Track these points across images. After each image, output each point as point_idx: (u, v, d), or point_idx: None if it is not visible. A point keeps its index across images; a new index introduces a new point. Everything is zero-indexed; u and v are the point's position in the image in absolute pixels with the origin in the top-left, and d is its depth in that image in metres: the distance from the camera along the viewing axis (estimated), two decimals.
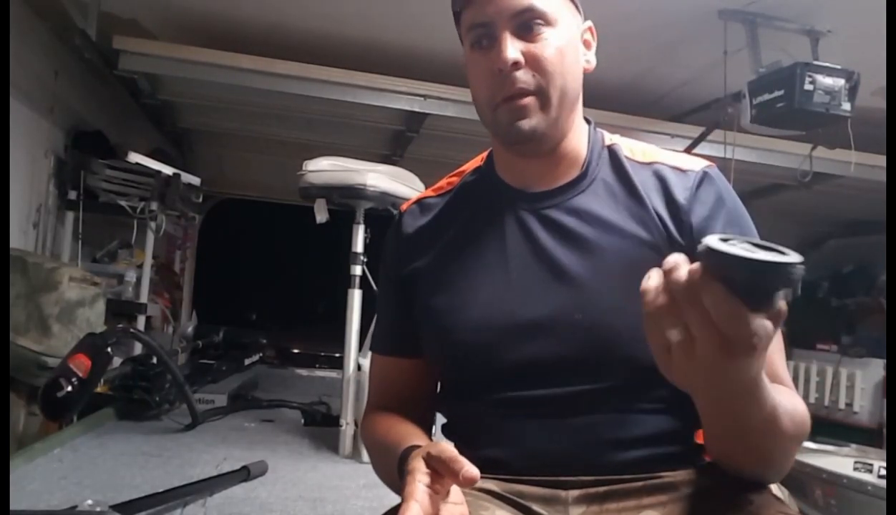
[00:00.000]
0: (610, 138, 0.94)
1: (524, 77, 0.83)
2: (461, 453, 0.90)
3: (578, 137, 0.91)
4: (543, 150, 0.88)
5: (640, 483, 0.80)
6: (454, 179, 0.99)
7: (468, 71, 0.90)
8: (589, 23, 0.92)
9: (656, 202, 0.86)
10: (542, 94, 0.83)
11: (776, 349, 0.80)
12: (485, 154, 0.99)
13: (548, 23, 0.84)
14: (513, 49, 0.82)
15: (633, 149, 0.92)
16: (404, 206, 1.00)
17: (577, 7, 0.90)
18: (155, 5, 3.00)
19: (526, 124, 0.84)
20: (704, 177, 0.87)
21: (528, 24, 0.83)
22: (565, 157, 0.90)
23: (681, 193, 0.85)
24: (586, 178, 0.90)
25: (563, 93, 0.85)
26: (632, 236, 0.84)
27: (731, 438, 0.71)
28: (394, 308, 0.97)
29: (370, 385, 1.01)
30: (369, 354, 1.07)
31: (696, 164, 0.88)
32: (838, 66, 2.53)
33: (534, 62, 0.83)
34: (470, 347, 0.86)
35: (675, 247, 0.83)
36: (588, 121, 0.94)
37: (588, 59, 0.91)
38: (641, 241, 0.84)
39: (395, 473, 0.77)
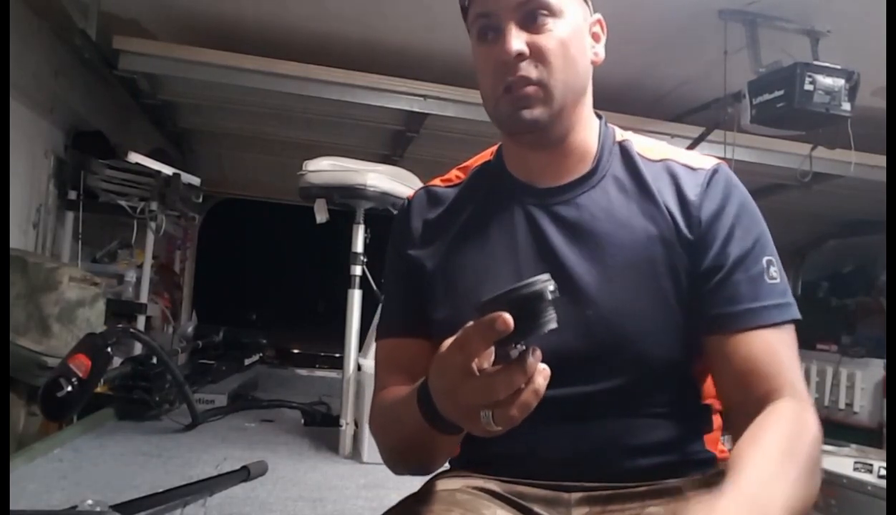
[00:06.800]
0: (622, 134, 0.94)
1: (527, 68, 0.82)
2: (464, 449, 0.90)
3: (587, 131, 0.91)
4: (549, 141, 0.88)
5: (644, 488, 0.80)
6: (463, 172, 0.98)
7: (475, 63, 0.89)
8: (598, 15, 0.91)
9: (668, 198, 0.85)
10: (545, 86, 0.83)
11: (787, 355, 0.79)
12: (494, 148, 0.98)
13: (552, 13, 0.83)
14: (517, 40, 0.81)
15: (645, 146, 0.92)
16: (411, 194, 0.99)
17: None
18: (155, 5, 3.00)
19: (528, 114, 0.83)
20: (714, 174, 0.87)
21: (532, 15, 0.82)
22: (574, 152, 0.89)
23: (691, 190, 0.85)
24: (596, 174, 0.89)
25: (566, 85, 0.84)
26: (642, 233, 0.84)
27: None
28: (404, 290, 0.94)
29: (377, 373, 0.95)
30: (370, 354, 1.04)
31: (706, 162, 0.89)
32: (838, 66, 2.53)
33: (538, 54, 0.82)
34: None
35: (683, 241, 0.83)
36: (599, 117, 0.93)
37: (597, 51, 0.90)
38: (652, 238, 0.84)
39: (415, 413, 0.73)
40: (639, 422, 0.81)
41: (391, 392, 0.88)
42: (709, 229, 0.83)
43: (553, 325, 0.62)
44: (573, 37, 0.85)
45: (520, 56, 0.81)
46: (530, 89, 0.82)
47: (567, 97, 0.85)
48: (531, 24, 0.83)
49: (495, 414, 0.62)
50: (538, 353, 0.62)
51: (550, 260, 0.85)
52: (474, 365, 0.63)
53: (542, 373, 0.62)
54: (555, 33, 0.83)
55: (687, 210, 0.84)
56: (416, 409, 0.72)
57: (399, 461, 0.86)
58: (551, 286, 0.61)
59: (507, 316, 0.59)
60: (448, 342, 0.65)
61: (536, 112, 0.83)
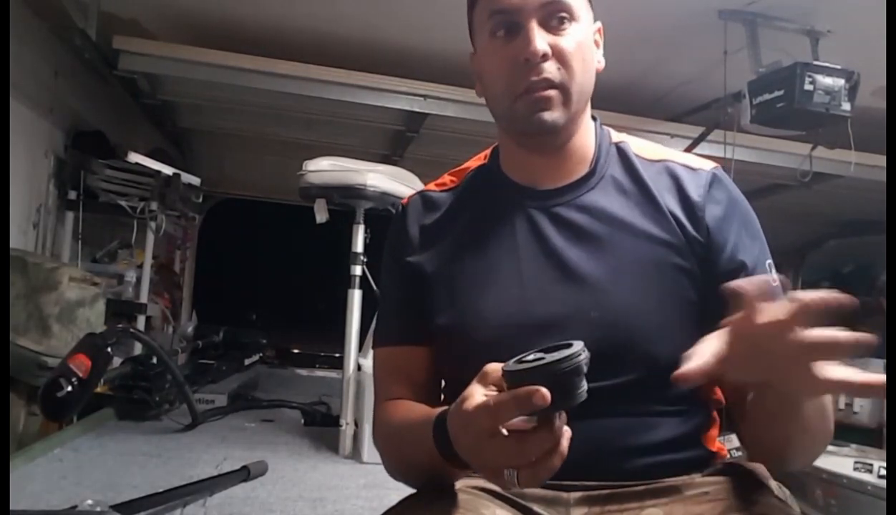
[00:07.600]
0: (617, 136, 0.94)
1: (550, 69, 0.82)
2: None
3: (586, 134, 0.91)
4: (556, 144, 0.88)
5: (642, 487, 0.80)
6: (457, 176, 0.98)
7: (483, 60, 0.88)
8: (599, 24, 0.92)
9: (669, 200, 0.86)
10: (564, 89, 0.83)
11: None
12: (488, 151, 0.98)
13: (572, 17, 0.84)
14: (542, 40, 0.81)
15: (641, 147, 0.92)
16: (406, 199, 0.98)
17: (591, 6, 0.90)
18: (155, 5, 3.00)
19: (548, 116, 0.83)
20: (715, 177, 0.88)
21: (554, 16, 0.83)
22: (573, 154, 0.90)
23: (694, 191, 0.86)
24: (595, 175, 0.89)
25: (582, 89, 0.85)
26: (644, 233, 0.84)
27: (776, 426, 0.73)
28: (402, 296, 0.94)
29: (377, 381, 0.95)
30: (370, 354, 1.04)
31: (705, 164, 0.89)
32: (838, 66, 2.53)
33: (560, 55, 0.83)
34: (482, 346, 0.83)
35: (692, 243, 0.84)
36: (594, 118, 0.94)
37: (599, 58, 0.91)
38: (654, 238, 0.84)
39: (427, 442, 0.73)
40: (640, 422, 0.81)
41: (397, 408, 0.88)
42: (718, 233, 0.84)
43: (584, 397, 0.63)
44: (587, 42, 0.86)
45: (544, 56, 0.81)
46: (552, 92, 0.83)
47: (581, 101, 0.86)
48: (552, 25, 0.83)
49: (520, 474, 0.63)
50: (563, 416, 0.63)
51: (553, 261, 0.85)
52: (501, 427, 0.64)
53: (566, 435, 0.63)
54: (574, 36, 0.84)
55: (692, 211, 0.85)
56: (431, 443, 0.73)
57: (406, 477, 0.86)
58: (586, 357, 0.62)
59: (546, 393, 0.60)
60: (474, 398, 0.65)
61: (556, 114, 0.83)
